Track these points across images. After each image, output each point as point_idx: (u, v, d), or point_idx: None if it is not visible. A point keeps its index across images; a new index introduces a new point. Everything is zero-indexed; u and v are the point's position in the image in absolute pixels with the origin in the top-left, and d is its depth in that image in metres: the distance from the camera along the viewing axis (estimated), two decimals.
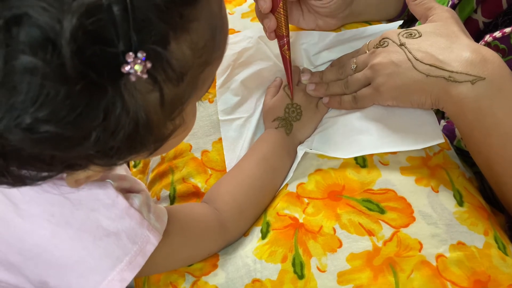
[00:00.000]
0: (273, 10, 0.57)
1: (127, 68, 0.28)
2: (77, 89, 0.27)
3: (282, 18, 0.57)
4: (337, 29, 0.68)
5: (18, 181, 0.33)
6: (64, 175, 0.38)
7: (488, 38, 0.56)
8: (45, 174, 0.33)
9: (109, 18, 0.27)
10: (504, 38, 0.55)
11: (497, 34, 0.55)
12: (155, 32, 0.29)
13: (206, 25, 0.34)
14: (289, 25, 0.68)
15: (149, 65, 0.29)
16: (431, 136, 0.54)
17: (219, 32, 0.36)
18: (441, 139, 0.53)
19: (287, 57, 0.59)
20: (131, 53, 0.28)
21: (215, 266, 0.51)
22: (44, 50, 0.26)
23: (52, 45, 0.26)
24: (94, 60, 0.27)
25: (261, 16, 0.59)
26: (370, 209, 0.51)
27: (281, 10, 0.57)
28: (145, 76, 0.29)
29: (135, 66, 0.28)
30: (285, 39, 0.58)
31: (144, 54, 0.28)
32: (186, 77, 0.33)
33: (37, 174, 0.33)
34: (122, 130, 0.30)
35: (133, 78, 0.28)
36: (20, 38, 0.26)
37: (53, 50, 0.26)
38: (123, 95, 0.29)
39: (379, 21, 0.70)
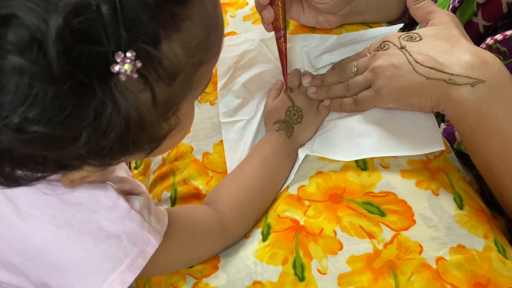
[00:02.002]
0: (271, 3, 0.59)
1: (116, 67, 0.28)
2: (65, 89, 0.27)
3: (280, 11, 0.59)
4: (337, 29, 0.68)
5: (12, 182, 0.33)
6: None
7: (489, 40, 0.56)
8: (39, 174, 0.33)
9: (98, 17, 0.27)
10: (506, 41, 0.55)
11: (499, 36, 0.55)
12: (145, 31, 0.29)
13: (199, 24, 0.33)
14: (290, 25, 0.69)
15: (139, 64, 0.28)
16: (432, 143, 0.54)
17: (213, 31, 0.35)
18: (441, 146, 0.54)
19: (283, 49, 0.60)
20: (120, 53, 0.28)
21: (216, 268, 0.51)
22: (31, 50, 0.26)
23: (38, 45, 0.26)
24: (82, 59, 0.27)
25: (260, 7, 0.60)
26: (370, 212, 0.51)
27: (279, 3, 0.58)
28: (135, 75, 0.29)
29: (124, 65, 0.28)
30: (282, 32, 0.60)
31: (134, 54, 0.28)
32: (179, 77, 0.32)
33: (31, 174, 0.33)
34: (114, 130, 0.30)
35: (123, 78, 0.28)
36: (7, 38, 0.26)
37: (39, 50, 0.26)
38: (114, 95, 0.29)
39: (380, 23, 0.70)
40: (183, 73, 0.33)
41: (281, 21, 0.59)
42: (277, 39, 0.60)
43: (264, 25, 0.61)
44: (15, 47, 0.26)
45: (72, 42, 0.27)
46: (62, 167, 0.33)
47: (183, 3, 0.31)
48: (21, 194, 0.39)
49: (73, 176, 0.36)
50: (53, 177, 0.35)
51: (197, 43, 0.33)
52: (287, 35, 0.61)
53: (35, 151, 0.30)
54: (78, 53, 0.27)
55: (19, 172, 0.32)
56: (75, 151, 0.30)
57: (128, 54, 0.28)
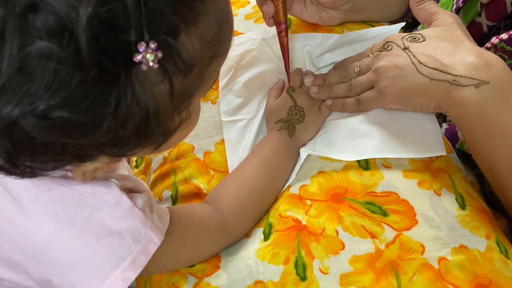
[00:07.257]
0: None
1: (138, 57, 0.29)
2: (91, 76, 0.28)
3: (280, 5, 0.59)
4: (339, 28, 0.68)
5: (27, 172, 0.33)
6: (69, 173, 0.38)
7: (494, 39, 0.55)
8: (52, 165, 0.33)
9: (123, 7, 0.28)
10: (511, 40, 0.55)
11: (504, 35, 0.55)
12: (166, 23, 0.30)
13: (213, 19, 0.34)
14: (292, 24, 0.69)
15: (160, 55, 0.29)
16: (434, 147, 0.55)
17: (225, 27, 0.36)
18: (443, 151, 0.54)
19: (285, 43, 0.61)
20: (143, 42, 0.28)
21: (217, 267, 0.51)
22: (61, 36, 0.27)
23: (69, 31, 0.27)
24: (108, 48, 0.28)
25: (260, 2, 0.60)
26: (372, 212, 0.51)
27: None
28: (156, 66, 0.29)
29: (146, 55, 0.29)
30: (283, 26, 0.60)
31: (156, 44, 0.29)
32: (195, 69, 0.33)
33: (45, 165, 0.33)
34: (132, 120, 0.31)
35: (144, 67, 0.29)
36: (36, 25, 0.27)
37: (70, 36, 0.27)
38: (134, 85, 0.30)
39: (382, 23, 0.70)
40: (198, 66, 0.34)
41: (281, 15, 0.59)
42: (278, 33, 0.61)
43: (265, 20, 0.61)
44: (44, 33, 0.27)
45: (100, 30, 0.27)
46: (79, 157, 0.33)
47: None
48: (25, 190, 0.39)
49: (86, 167, 0.37)
50: (58, 173, 0.35)
51: (211, 37, 0.34)
52: (289, 31, 0.62)
53: (57, 138, 0.30)
54: (104, 41, 0.28)
55: (32, 164, 0.33)
56: (95, 140, 0.31)
57: (150, 45, 0.29)
